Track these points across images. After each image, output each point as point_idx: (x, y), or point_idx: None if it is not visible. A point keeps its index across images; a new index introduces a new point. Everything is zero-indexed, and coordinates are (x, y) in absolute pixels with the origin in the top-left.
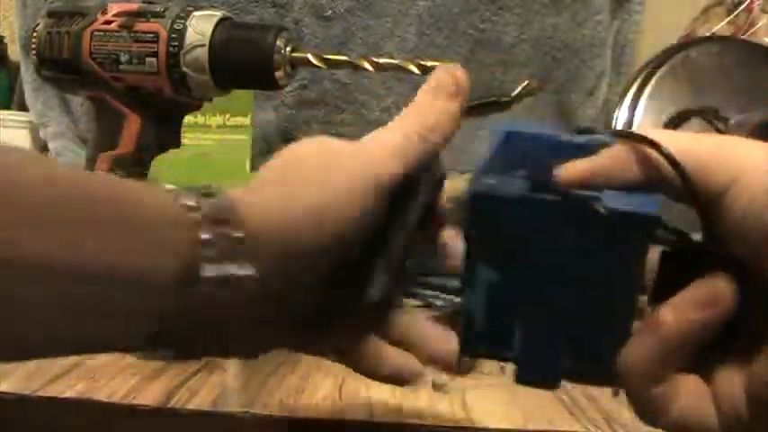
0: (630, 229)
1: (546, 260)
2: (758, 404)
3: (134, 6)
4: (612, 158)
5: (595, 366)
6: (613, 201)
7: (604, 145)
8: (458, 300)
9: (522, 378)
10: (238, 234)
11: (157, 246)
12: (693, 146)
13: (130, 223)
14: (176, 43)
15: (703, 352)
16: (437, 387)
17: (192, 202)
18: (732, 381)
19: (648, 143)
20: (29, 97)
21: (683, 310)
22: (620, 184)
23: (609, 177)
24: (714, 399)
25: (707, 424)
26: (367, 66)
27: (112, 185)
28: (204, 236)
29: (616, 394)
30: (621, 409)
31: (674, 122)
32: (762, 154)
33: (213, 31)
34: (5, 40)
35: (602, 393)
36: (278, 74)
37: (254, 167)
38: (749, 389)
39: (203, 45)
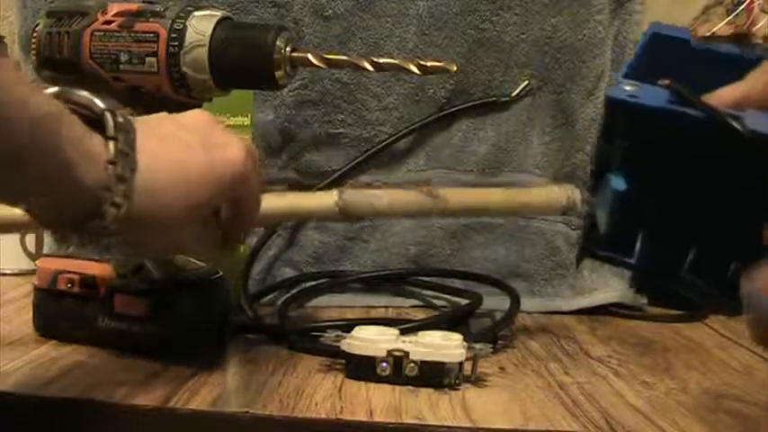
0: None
1: (679, 173)
2: None
3: (134, 6)
4: (765, 83)
5: (715, 284)
6: (755, 121)
7: (753, 62)
8: (456, 300)
9: (637, 285)
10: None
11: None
12: None
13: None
14: (176, 43)
15: None
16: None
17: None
18: None
19: None
20: None
21: None
22: None
23: (760, 103)
24: None
25: None
26: (367, 66)
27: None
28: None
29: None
30: (621, 409)
31: None
32: None
33: (213, 31)
34: (5, 40)
35: (602, 393)
36: (278, 74)
37: None
38: None
39: (203, 45)
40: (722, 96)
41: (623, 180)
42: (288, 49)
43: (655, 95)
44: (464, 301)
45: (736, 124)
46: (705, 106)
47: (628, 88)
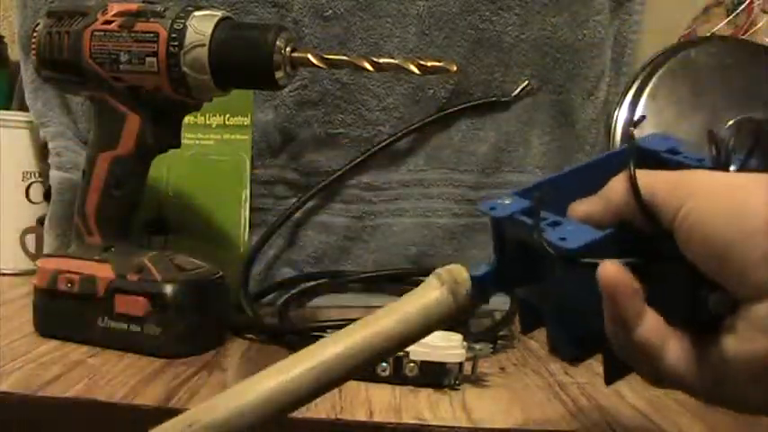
0: (559, 257)
1: (535, 269)
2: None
3: (134, 6)
4: (603, 202)
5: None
6: (560, 230)
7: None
8: None
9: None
10: None
11: None
12: (657, 179)
13: None
14: (176, 43)
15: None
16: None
17: None
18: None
19: (631, 183)
20: (29, 97)
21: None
22: (613, 222)
23: (602, 221)
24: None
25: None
26: (367, 66)
27: None
28: None
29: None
30: (621, 409)
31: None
32: (711, 180)
33: (213, 31)
34: (5, 40)
35: (602, 393)
36: (278, 74)
37: (254, 167)
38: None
39: (203, 45)
40: (574, 211)
41: (488, 269)
42: (288, 49)
43: (508, 207)
44: None
45: (535, 234)
46: (534, 216)
47: (495, 200)
